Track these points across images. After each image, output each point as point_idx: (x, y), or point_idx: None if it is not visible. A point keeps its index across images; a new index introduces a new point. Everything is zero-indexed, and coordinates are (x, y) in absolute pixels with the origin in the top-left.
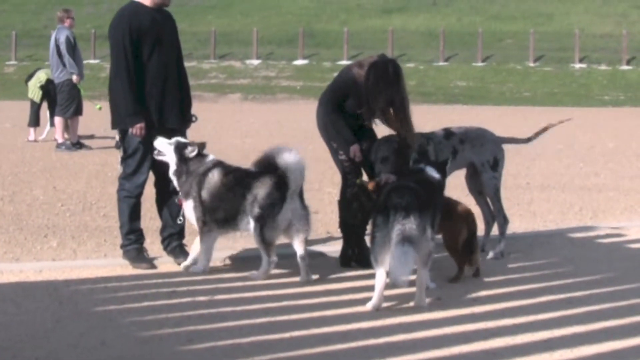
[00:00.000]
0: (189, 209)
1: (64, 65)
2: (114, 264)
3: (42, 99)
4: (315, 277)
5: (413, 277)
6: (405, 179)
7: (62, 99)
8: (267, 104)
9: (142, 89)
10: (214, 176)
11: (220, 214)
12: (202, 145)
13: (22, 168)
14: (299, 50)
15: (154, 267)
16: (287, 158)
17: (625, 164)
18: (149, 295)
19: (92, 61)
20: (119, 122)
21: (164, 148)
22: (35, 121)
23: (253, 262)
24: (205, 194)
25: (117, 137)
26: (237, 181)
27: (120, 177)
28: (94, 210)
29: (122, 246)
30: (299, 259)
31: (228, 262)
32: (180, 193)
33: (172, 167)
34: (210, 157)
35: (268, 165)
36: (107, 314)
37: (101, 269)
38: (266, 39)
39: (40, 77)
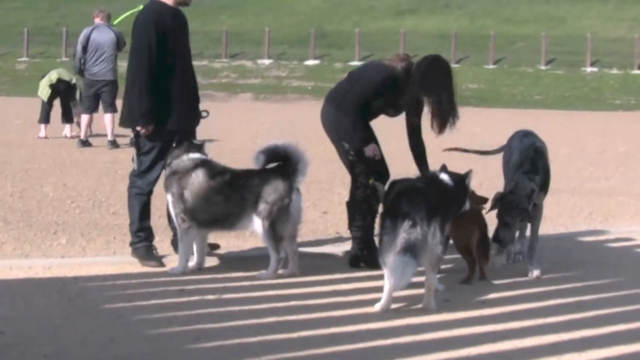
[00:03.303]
0: (169, 203)
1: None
2: (123, 261)
3: (50, 98)
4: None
5: (421, 278)
6: (415, 180)
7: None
8: (278, 104)
9: (162, 89)
10: (199, 177)
11: (206, 215)
12: (192, 144)
13: (32, 164)
14: (311, 51)
15: (162, 265)
16: (295, 150)
17: (636, 168)
18: (158, 293)
19: None
20: (132, 120)
21: None
22: (45, 118)
23: (261, 261)
24: (187, 194)
25: (133, 135)
26: (229, 183)
27: (131, 174)
28: (104, 207)
29: (131, 244)
30: (292, 253)
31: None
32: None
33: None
34: (196, 155)
35: (275, 158)
36: (115, 311)
37: (110, 266)
38: (278, 39)
39: (51, 76)
